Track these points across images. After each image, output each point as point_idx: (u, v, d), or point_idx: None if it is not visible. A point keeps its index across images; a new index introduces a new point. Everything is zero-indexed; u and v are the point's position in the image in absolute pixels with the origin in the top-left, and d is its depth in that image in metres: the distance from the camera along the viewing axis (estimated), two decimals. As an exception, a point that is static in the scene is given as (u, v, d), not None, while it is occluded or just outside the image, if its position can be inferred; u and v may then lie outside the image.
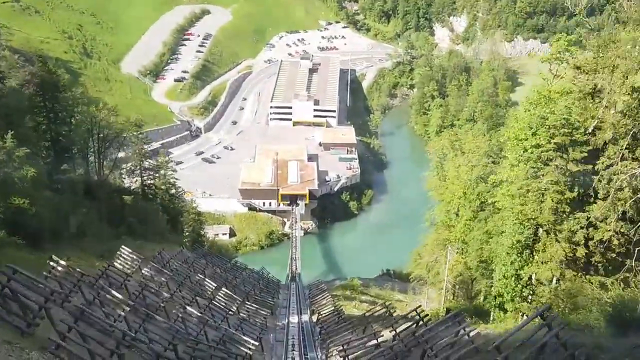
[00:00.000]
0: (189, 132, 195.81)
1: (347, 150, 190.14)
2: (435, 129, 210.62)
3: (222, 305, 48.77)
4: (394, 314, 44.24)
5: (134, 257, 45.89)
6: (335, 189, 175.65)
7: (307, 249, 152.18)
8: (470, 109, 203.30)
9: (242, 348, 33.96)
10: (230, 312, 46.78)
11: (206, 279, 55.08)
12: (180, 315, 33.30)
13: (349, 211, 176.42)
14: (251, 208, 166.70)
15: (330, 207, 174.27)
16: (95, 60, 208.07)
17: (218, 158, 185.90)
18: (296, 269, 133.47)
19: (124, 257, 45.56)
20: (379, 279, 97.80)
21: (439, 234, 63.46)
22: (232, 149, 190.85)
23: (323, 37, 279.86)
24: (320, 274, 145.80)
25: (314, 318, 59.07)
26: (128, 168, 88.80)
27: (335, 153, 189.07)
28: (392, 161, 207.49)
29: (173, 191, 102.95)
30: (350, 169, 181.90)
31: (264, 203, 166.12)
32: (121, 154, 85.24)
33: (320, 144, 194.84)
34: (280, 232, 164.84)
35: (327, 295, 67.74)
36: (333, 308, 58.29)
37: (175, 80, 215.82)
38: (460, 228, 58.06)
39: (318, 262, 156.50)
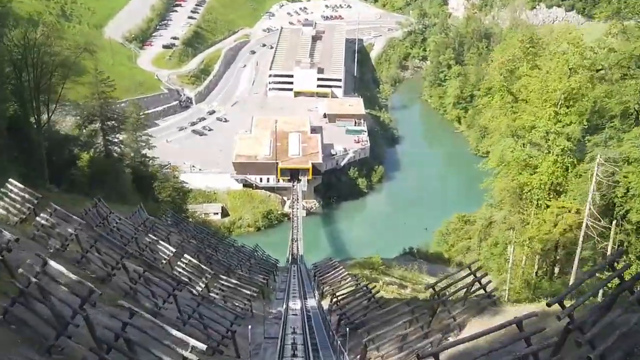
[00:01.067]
0: (178, 102, 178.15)
1: (355, 122, 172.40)
2: (452, 100, 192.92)
3: (183, 278, 31.20)
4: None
5: (27, 196, 28.40)
6: (342, 164, 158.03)
7: (310, 232, 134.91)
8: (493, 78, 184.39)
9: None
10: (189, 289, 29.11)
11: (161, 243, 37.46)
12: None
13: (358, 189, 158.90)
14: (246, 185, 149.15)
15: (336, 185, 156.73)
16: (74, 23, 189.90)
17: (210, 130, 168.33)
18: (298, 251, 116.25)
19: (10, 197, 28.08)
20: (400, 258, 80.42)
21: (510, 181, 45.82)
22: (226, 121, 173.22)
23: (327, 6, 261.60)
24: (326, 257, 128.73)
25: (326, 303, 41.55)
26: (84, 115, 70.97)
27: (342, 125, 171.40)
28: (405, 136, 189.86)
29: (147, 153, 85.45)
30: (358, 142, 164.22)
31: (260, 179, 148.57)
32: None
33: (324, 116, 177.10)
34: (279, 212, 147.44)
35: (342, 271, 50.23)
36: (355, 286, 40.56)
37: (164, 47, 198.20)
38: (549, 167, 40.62)
39: (322, 246, 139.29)
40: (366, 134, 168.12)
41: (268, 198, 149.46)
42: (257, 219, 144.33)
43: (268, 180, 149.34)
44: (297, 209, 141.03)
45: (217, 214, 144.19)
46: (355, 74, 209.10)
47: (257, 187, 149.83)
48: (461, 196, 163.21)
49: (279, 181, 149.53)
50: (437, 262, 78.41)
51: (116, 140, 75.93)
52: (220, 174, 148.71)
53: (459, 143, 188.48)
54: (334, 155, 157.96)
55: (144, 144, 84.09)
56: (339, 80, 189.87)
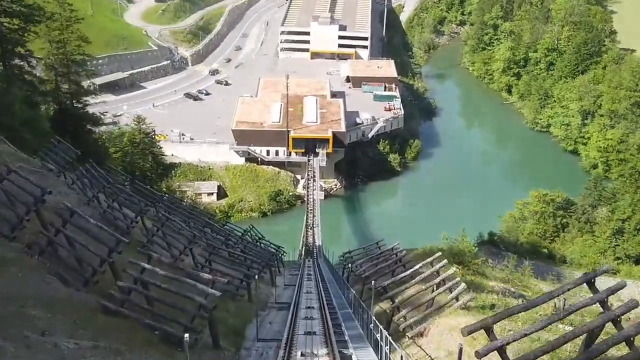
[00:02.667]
0: (169, 62, 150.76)
1: (385, 87, 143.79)
2: (501, 65, 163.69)
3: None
4: None
5: None
6: (370, 136, 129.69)
7: (330, 219, 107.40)
8: (553, 37, 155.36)
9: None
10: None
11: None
12: None
13: (389, 167, 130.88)
14: (250, 159, 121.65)
15: (363, 161, 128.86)
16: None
17: (207, 94, 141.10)
18: (314, 240, 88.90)
19: None
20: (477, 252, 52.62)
21: None
22: (227, 84, 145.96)
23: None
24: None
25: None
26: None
27: (369, 91, 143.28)
28: (443, 108, 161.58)
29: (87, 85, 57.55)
30: (389, 110, 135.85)
31: (267, 151, 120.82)
32: None
33: (347, 80, 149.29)
34: (290, 194, 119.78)
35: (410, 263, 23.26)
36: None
37: (157, 0, 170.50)
38: None
39: (345, 236, 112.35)
40: (399, 100, 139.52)
41: (277, 176, 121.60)
42: (262, 201, 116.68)
43: (277, 153, 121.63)
44: (314, 189, 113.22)
45: (212, 194, 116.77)
46: (383, 38, 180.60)
47: (262, 162, 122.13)
48: (514, 177, 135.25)
49: (290, 154, 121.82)
50: (535, 258, 49.92)
51: (26, 53, 48.18)
52: (217, 145, 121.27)
53: (509, 116, 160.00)
54: (359, 124, 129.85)
55: (82, 73, 56.16)
56: (365, 39, 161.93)
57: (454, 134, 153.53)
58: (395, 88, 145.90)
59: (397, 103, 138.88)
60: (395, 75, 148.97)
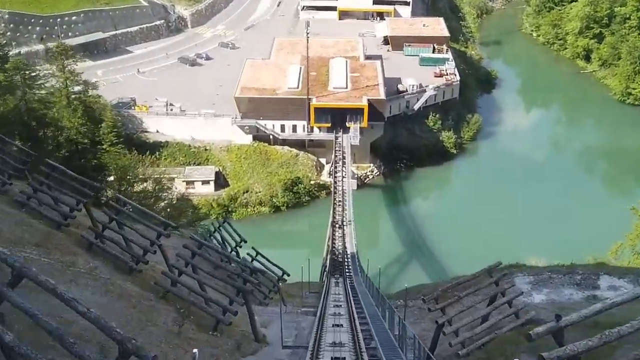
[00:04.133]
0: (163, 22, 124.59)
1: (434, 49, 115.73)
2: (577, 25, 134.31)
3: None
4: None
5: None
6: (416, 108, 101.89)
7: (363, 215, 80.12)
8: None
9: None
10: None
11: None
12: None
13: (441, 148, 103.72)
14: (259, 137, 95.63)
15: (407, 140, 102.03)
16: None
17: (208, 59, 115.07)
18: (344, 246, 62.25)
19: None
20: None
21: None
22: (233, 47, 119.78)
23: None
24: (397, 269, 75.78)
25: None
26: None
27: (413, 53, 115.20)
28: (504, 79, 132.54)
29: None
30: (441, 75, 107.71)
31: (282, 127, 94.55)
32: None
33: (385, 42, 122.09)
34: (312, 182, 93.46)
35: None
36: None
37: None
38: None
39: (384, 239, 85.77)
40: (453, 64, 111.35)
41: (294, 159, 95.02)
42: (274, 192, 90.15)
43: (294, 129, 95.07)
44: (343, 177, 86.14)
45: (207, 182, 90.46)
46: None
47: (276, 142, 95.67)
48: (608, 171, 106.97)
49: (312, 130, 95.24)
50: None
51: None
52: (215, 119, 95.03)
53: (588, 88, 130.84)
54: (402, 93, 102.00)
55: None
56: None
57: (520, 109, 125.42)
58: (447, 50, 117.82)
59: (451, 67, 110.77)
60: (447, 34, 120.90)
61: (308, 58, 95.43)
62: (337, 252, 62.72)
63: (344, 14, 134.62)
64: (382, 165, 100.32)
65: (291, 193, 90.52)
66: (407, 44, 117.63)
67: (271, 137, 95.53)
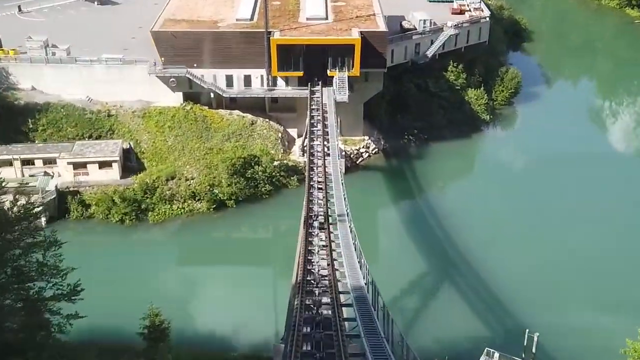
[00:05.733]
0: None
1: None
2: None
3: None
4: None
5: None
6: (430, 54, 71.04)
7: (355, 217, 46.36)
8: None
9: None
10: None
11: None
12: None
13: (467, 113, 73.43)
14: (192, 95, 63.83)
15: (418, 101, 70.50)
16: None
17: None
18: (333, 276, 28.97)
19: None
20: None
21: None
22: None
23: None
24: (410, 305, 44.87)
25: None
26: None
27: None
28: (535, 33, 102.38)
29: None
30: (461, 11, 77.09)
31: (228, 78, 62.80)
32: None
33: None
34: (276, 163, 61.42)
35: None
36: None
37: None
38: None
39: (386, 247, 54.27)
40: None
41: (248, 129, 64.41)
42: (217, 178, 58.29)
43: (248, 81, 63.58)
44: (325, 154, 52.86)
45: (109, 164, 58.41)
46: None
47: (220, 103, 64.55)
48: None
49: (275, 83, 63.65)
50: None
51: None
52: (124, 68, 62.84)
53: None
54: (409, 31, 71.09)
55: None
56: None
57: (564, 69, 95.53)
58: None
59: (476, 0, 80.00)
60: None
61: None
62: (317, 287, 31.14)
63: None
64: (382, 138, 69.33)
65: (243, 180, 59.08)
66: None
67: (212, 95, 64.01)
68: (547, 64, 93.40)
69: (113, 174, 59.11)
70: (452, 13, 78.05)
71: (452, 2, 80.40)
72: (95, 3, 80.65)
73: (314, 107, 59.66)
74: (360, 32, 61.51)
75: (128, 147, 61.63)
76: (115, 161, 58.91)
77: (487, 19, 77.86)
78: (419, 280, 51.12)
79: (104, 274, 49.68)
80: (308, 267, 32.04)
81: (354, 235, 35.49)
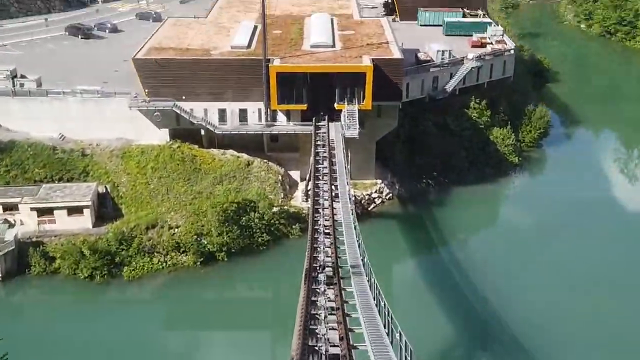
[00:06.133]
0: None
1: (465, 13, 79.01)
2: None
3: None
4: None
5: None
6: (450, 88, 63.55)
7: (376, 272, 37.35)
8: None
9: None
10: None
11: None
12: None
13: (493, 155, 64.68)
14: (180, 133, 56.11)
15: (437, 140, 62.84)
16: None
17: (115, 31, 76.39)
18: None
19: None
20: None
21: None
22: (157, 19, 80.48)
23: None
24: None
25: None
26: None
27: (433, 21, 79.10)
28: (559, 74, 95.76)
29: None
30: (482, 44, 70.04)
31: (221, 113, 55.15)
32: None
33: (387, 9, 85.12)
34: (275, 210, 52.93)
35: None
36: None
37: None
38: None
39: (407, 320, 44.08)
40: (500, 29, 73.83)
41: (244, 171, 56.68)
42: (206, 227, 50.35)
43: (244, 116, 55.85)
44: (333, 200, 44.02)
45: (80, 211, 50.06)
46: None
47: (211, 141, 57.03)
48: None
49: (275, 118, 55.96)
50: None
51: None
52: (103, 101, 55.40)
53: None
54: (426, 63, 63.95)
55: None
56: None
57: (596, 112, 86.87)
58: (484, 14, 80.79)
59: (498, 32, 72.93)
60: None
61: (265, 4, 56.56)
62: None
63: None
64: (397, 182, 61.22)
65: (236, 228, 50.84)
66: (422, 9, 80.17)
67: (203, 132, 56.21)
68: (575, 106, 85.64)
69: (84, 222, 50.86)
70: (472, 46, 70.79)
71: (471, 35, 73.42)
72: (79, 37, 73.96)
73: (319, 142, 51.67)
74: (372, 59, 54.10)
75: (104, 190, 53.56)
76: (87, 207, 50.72)
77: (512, 51, 70.63)
78: (443, 349, 42.25)
79: (69, 342, 41.39)
80: (310, 344, 23.19)
81: (377, 291, 26.71)
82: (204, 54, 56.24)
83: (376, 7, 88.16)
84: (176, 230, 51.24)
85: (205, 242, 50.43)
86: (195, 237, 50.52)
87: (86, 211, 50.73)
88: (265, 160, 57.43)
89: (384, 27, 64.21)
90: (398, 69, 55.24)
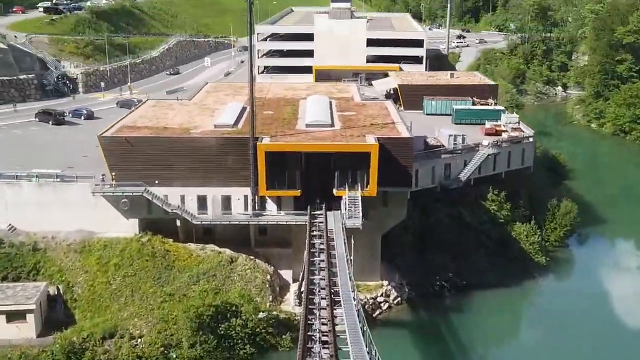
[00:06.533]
0: (33, 77, 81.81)
1: (475, 101, 72.84)
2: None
3: None
4: None
5: None
6: (464, 177, 55.73)
7: None
8: None
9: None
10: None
11: None
12: None
13: (515, 251, 56.20)
14: (152, 224, 47.20)
15: (451, 233, 54.08)
16: None
17: (90, 118, 69.83)
18: None
19: None
20: None
21: None
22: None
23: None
24: None
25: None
26: None
27: (440, 110, 73.11)
28: (576, 171, 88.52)
29: None
30: (497, 132, 63.39)
31: (201, 200, 46.84)
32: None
33: (392, 98, 77.65)
34: (261, 315, 43.51)
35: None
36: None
37: (48, 11, 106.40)
38: None
39: None
40: (516, 117, 67.42)
41: (225, 269, 47.68)
42: (176, 336, 40.74)
43: (227, 204, 47.78)
44: (333, 307, 35.23)
45: (22, 315, 40.78)
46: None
47: (188, 234, 48.28)
48: None
49: (263, 206, 47.74)
50: None
51: None
52: (60, 187, 47.43)
53: None
54: (436, 148, 56.83)
55: None
56: (420, 44, 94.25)
57: (614, 213, 78.66)
58: (494, 102, 74.85)
59: (514, 120, 66.32)
60: (489, 81, 79.04)
61: (253, 83, 49.85)
62: None
63: (322, 75, 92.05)
64: (406, 284, 52.40)
65: (213, 338, 41.74)
66: (428, 98, 74.11)
67: (179, 223, 48.05)
68: (595, 205, 78.01)
69: (27, 330, 41.84)
70: (486, 134, 63.99)
71: (483, 123, 66.82)
72: (50, 123, 67.35)
73: (315, 233, 43.44)
74: (378, 138, 46.84)
75: (55, 292, 44.76)
76: (30, 311, 41.80)
77: (532, 139, 63.78)
78: None
79: None
80: None
81: None
82: (183, 133, 49.01)
83: (377, 98, 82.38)
84: (139, 340, 42.06)
85: (174, 356, 41.20)
86: (162, 349, 41.40)
87: (30, 317, 41.79)
88: (251, 257, 49.10)
89: (389, 109, 57.66)
90: (407, 149, 47.90)
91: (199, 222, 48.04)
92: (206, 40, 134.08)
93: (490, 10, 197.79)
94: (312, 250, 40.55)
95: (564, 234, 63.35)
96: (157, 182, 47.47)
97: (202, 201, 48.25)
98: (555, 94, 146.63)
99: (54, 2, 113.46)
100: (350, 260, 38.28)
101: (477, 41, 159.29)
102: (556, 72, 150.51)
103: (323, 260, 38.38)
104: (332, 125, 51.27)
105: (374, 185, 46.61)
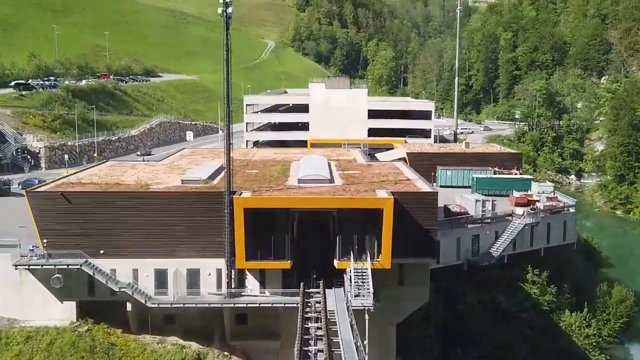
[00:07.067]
0: (2, 154, 73.01)
1: (496, 171, 62.74)
2: None
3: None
4: None
5: None
6: (498, 253, 44.34)
7: None
8: None
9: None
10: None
11: None
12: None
13: (564, 346, 45.19)
14: (95, 308, 35.63)
15: (488, 324, 42.06)
16: None
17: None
18: None
19: None
20: None
21: None
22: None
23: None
24: None
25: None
26: None
27: (456, 181, 62.72)
28: (609, 258, 77.99)
29: None
30: (528, 202, 52.89)
31: (159, 276, 35.01)
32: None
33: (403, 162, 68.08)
34: None
35: None
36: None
37: (18, 87, 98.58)
38: None
39: None
40: (551, 186, 57.45)
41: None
42: None
43: (194, 280, 36.13)
44: None
45: None
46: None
47: (142, 322, 36.37)
48: None
49: (240, 282, 36.10)
50: None
51: None
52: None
53: None
54: (460, 215, 46.01)
55: None
56: (428, 115, 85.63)
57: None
58: (521, 173, 64.81)
59: (548, 189, 56.01)
60: (513, 150, 69.31)
61: (229, 136, 39.56)
62: None
63: (317, 144, 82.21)
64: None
65: None
66: (442, 168, 64.03)
67: (130, 306, 36.43)
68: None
69: None
70: (516, 204, 53.44)
71: (509, 195, 56.36)
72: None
73: (309, 315, 31.93)
74: (392, 193, 36.13)
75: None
76: None
77: (573, 209, 53.15)
78: None
79: None
80: None
81: None
82: (140, 188, 38.22)
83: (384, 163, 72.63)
84: None
85: None
86: None
87: None
88: (225, 353, 37.27)
89: (401, 168, 47.22)
90: (431, 207, 37.01)
91: (157, 306, 36.27)
92: (193, 123, 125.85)
93: (492, 102, 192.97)
94: (305, 336, 28.93)
95: (620, 326, 51.75)
96: (102, 251, 36.24)
97: (161, 277, 36.69)
98: (569, 182, 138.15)
99: (28, 80, 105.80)
100: (363, 347, 26.68)
101: (482, 128, 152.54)
102: (568, 159, 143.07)
103: (322, 351, 26.73)
104: (331, 180, 40.64)
105: (387, 254, 35.46)
